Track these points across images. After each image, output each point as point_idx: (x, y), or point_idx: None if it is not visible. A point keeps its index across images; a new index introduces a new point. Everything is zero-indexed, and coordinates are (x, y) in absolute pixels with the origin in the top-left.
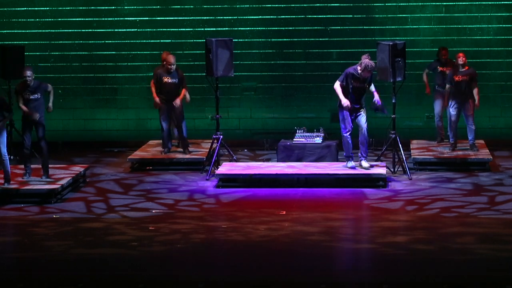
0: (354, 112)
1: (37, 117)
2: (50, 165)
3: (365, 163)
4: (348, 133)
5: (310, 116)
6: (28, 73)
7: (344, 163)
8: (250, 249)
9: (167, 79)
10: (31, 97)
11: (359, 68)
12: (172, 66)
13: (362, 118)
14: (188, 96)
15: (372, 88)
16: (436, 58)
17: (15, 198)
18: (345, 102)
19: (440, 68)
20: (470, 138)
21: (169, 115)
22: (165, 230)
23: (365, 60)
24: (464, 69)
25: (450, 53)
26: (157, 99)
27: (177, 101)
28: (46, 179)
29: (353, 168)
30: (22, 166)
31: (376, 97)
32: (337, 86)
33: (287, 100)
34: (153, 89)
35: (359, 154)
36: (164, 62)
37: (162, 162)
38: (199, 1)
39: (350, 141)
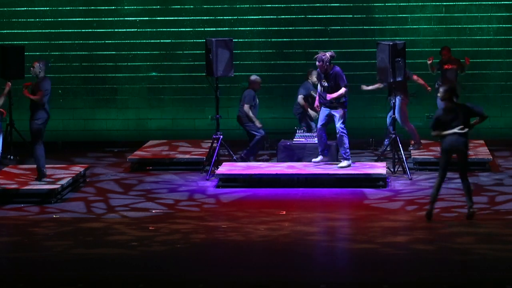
0: (326, 107)
1: None
2: (50, 165)
3: (342, 163)
4: (319, 128)
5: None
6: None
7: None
8: (250, 249)
9: None
10: None
11: (319, 69)
12: None
13: (335, 119)
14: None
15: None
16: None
17: (15, 198)
18: (315, 104)
19: (444, 66)
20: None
21: None
22: (165, 230)
23: (318, 56)
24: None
25: (450, 53)
26: None
27: None
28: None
29: (317, 163)
30: (22, 166)
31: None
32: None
33: (287, 100)
34: None
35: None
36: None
37: (162, 162)
38: (199, 1)
39: (322, 136)
